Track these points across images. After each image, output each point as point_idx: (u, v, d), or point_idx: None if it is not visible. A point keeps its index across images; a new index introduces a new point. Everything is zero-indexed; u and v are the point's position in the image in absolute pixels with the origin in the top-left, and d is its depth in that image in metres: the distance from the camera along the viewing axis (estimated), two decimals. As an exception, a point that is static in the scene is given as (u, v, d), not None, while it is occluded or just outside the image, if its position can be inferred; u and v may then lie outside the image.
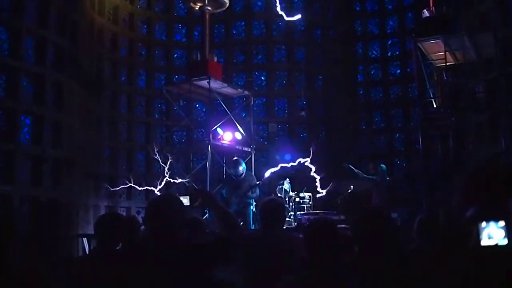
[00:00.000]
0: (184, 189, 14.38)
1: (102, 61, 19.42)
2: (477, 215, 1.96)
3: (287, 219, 11.44)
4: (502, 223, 1.89)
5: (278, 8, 15.07)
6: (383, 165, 12.99)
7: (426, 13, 13.95)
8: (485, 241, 1.90)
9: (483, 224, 1.91)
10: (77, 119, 17.13)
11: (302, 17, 16.83)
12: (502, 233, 1.90)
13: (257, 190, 10.39)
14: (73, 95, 17.03)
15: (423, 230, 4.39)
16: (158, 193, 13.04)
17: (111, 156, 19.67)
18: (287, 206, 11.85)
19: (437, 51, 13.91)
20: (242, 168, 10.42)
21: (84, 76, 17.76)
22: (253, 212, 10.27)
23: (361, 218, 3.16)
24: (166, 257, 2.92)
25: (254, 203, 10.38)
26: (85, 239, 11.85)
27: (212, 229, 6.72)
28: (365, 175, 12.68)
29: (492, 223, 1.91)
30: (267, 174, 11.87)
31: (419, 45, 13.94)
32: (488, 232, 1.91)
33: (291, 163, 12.06)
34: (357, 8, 23.42)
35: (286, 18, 15.52)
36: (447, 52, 13.53)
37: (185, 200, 9.38)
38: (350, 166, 12.87)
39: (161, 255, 2.93)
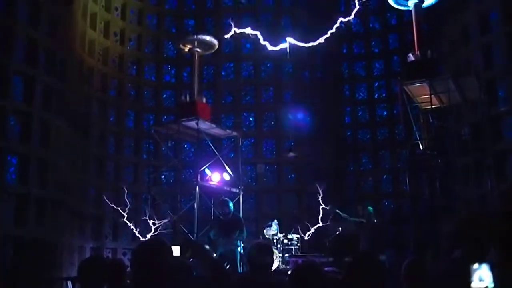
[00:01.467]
0: (170, 236, 14.28)
1: (90, 101, 19.45)
2: (464, 257, 1.95)
3: (275, 262, 11.32)
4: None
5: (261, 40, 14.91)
6: (370, 207, 12.94)
7: (411, 57, 14.18)
8: (475, 284, 1.87)
9: (475, 265, 1.88)
10: (64, 159, 17.02)
11: (289, 58, 16.81)
12: None
13: (245, 232, 10.29)
14: (61, 134, 16.98)
15: (411, 275, 4.36)
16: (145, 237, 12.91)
17: (98, 196, 19.44)
18: (275, 248, 11.74)
19: (422, 94, 14.07)
20: (229, 208, 10.35)
21: (72, 115, 17.74)
22: (241, 254, 10.16)
23: (351, 262, 3.15)
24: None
25: (242, 245, 10.27)
26: (69, 282, 11.63)
27: (199, 273, 6.62)
28: (351, 218, 12.59)
29: (484, 265, 1.88)
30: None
31: (405, 88, 14.10)
32: (479, 274, 1.88)
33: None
34: (344, 51, 23.85)
35: (270, 48, 15.19)
36: (432, 95, 13.70)
37: (175, 250, 9.28)
38: (337, 210, 12.83)
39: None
